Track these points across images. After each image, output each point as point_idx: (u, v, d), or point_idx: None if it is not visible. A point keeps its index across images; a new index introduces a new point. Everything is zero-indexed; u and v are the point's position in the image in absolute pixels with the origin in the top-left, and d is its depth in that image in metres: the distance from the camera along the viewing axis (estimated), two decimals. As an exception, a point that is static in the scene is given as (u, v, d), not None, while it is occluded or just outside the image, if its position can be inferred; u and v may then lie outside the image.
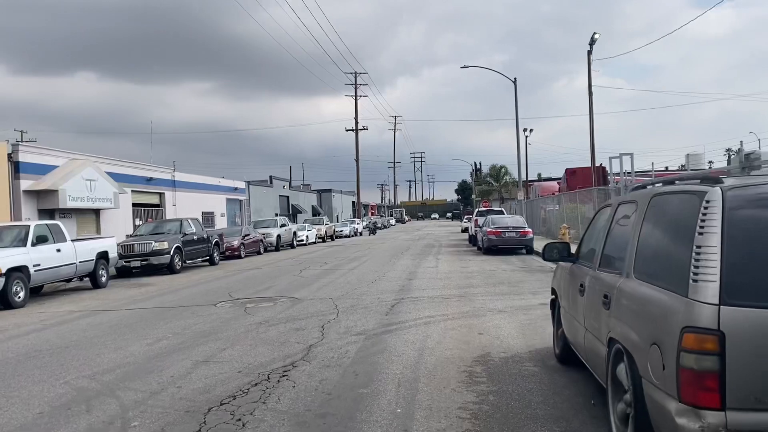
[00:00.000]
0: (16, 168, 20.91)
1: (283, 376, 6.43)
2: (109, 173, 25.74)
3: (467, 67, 36.18)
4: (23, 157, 21.20)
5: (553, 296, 7.14)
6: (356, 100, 67.92)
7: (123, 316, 11.17)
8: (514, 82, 34.75)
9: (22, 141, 30.39)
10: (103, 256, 17.23)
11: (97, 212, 25.48)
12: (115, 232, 24.42)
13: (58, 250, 14.96)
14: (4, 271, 12.80)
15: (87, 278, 16.92)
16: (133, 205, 28.88)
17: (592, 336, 4.87)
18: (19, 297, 13.28)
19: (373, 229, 58.45)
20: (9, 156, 20.59)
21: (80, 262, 15.90)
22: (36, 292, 16.27)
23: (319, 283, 15.19)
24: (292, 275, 17.55)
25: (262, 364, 7.00)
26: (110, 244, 17.76)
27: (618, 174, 20.73)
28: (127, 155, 30.62)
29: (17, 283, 13.24)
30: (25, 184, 21.24)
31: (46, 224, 15.33)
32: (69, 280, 16.71)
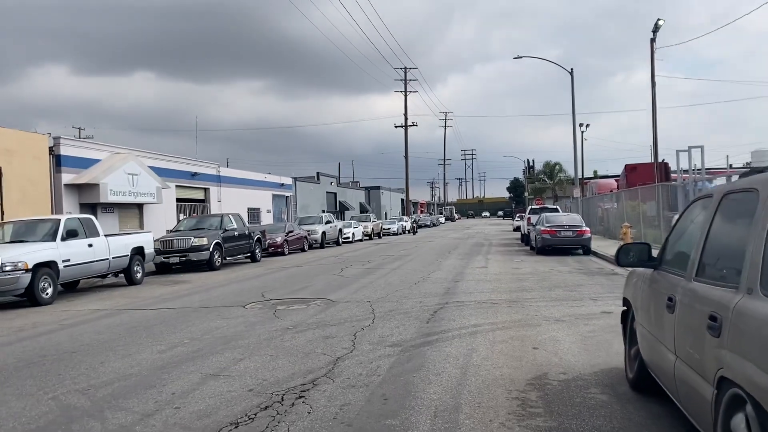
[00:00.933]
0: (58, 161, 20.74)
1: (300, 397, 5.45)
2: (152, 168, 25.47)
3: (520, 57, 34.64)
4: (65, 150, 21.02)
5: (625, 307, 5.93)
6: (405, 95, 66.91)
7: (145, 317, 10.44)
8: (571, 72, 33.04)
9: (79, 137, 30.67)
10: (138, 251, 16.72)
11: (140, 207, 25.26)
12: (159, 228, 24.16)
13: (90, 245, 14.45)
14: (30, 266, 12.31)
15: (122, 274, 16.44)
16: (178, 200, 28.64)
17: (688, 368, 3.69)
18: (47, 294, 12.78)
19: (413, 229, 53.29)
20: (50, 149, 20.42)
21: (114, 257, 15.39)
22: (71, 288, 15.89)
23: (359, 283, 14.21)
24: (332, 274, 16.65)
25: (279, 380, 6.03)
26: (146, 240, 17.25)
27: (686, 171, 19.06)
28: (183, 153, 30.81)
29: (45, 279, 12.74)
30: (67, 177, 21.06)
31: (78, 218, 14.86)
32: (104, 276, 16.24)
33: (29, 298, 12.51)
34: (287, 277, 16.68)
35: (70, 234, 13.80)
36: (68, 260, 13.55)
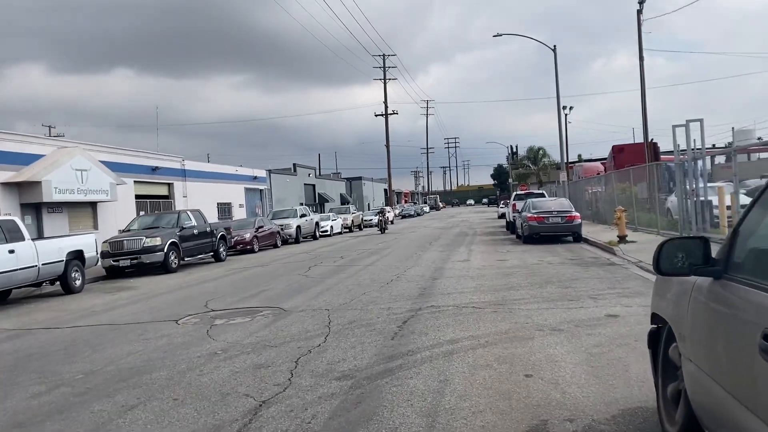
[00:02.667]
0: (-8, 157, 18.65)
1: (183, 482, 3.63)
2: (105, 162, 23.39)
3: (500, 35, 32.83)
4: (1, 145, 18.90)
5: (656, 326, 4.16)
6: (385, 82, 64.93)
7: (51, 340, 8.55)
8: (554, 50, 31.25)
9: (49, 135, 28.43)
10: (77, 256, 14.77)
11: (93, 205, 23.19)
12: (115, 227, 22.15)
13: (11, 251, 12.48)
14: (-74, 279, 10.36)
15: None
16: (137, 197, 26.56)
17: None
18: (-48, 311, 10.83)
19: (380, 224, 35.36)
20: (-18, 144, 18.33)
21: (44, 264, 13.42)
22: (2, 299, 13.93)
23: (323, 285, 12.38)
24: (297, 274, 14.81)
25: (166, 448, 4.21)
26: (86, 242, 15.27)
27: (683, 151, 17.35)
28: (166, 150, 28.73)
29: (-54, 294, 10.79)
30: (4, 175, 18.94)
31: (-5, 220, 12.86)
32: (37, 285, 14.27)
33: (-73, 317, 10.56)
34: (246, 279, 14.81)
35: (-18, 239, 11.84)
36: (-20, 270, 11.59)
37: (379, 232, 34.25)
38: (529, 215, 20.34)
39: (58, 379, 6.27)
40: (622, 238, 17.26)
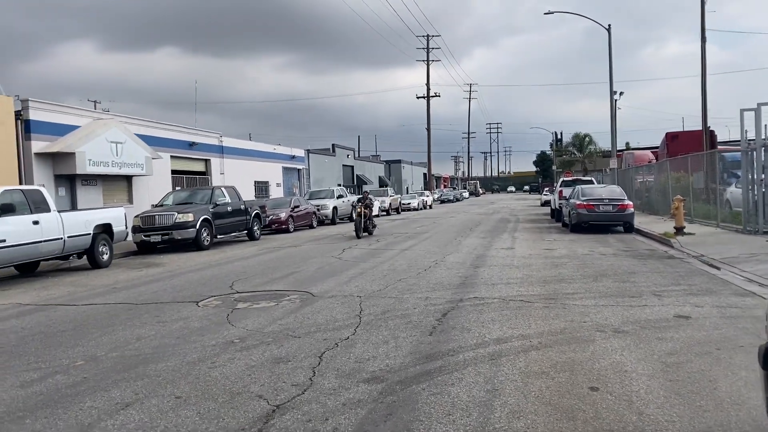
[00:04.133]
0: (27, 127, 18.29)
1: None
2: (142, 136, 22.98)
3: (551, 12, 31.24)
4: (35, 115, 18.56)
5: (774, 343, 3.21)
6: (428, 64, 63.66)
7: (61, 318, 7.95)
8: (608, 29, 29.60)
9: (94, 110, 28.26)
10: (105, 229, 14.30)
11: (128, 179, 22.85)
12: (150, 202, 21.76)
13: (36, 223, 12.03)
14: (-56, 248, 9.93)
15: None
16: (173, 172, 26.16)
17: None
18: (-29, 282, 10.41)
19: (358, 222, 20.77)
20: (18, 114, 17.99)
21: (69, 237, 12.96)
22: (29, 271, 13.59)
23: (357, 269, 11.60)
24: (330, 256, 14.06)
25: (153, 463, 3.46)
26: (114, 216, 14.78)
27: (751, 140, 15.91)
28: (208, 128, 28.30)
29: (-33, 264, 10.37)
30: (38, 145, 18.63)
31: (21, 190, 12.40)
32: (66, 258, 13.86)
33: (-55, 288, 10.16)
34: (277, 259, 14.13)
35: (6, 209, 11.38)
36: (2, 240, 11.14)
37: (356, 237, 19.30)
38: (578, 202, 19.15)
39: (55, 365, 5.61)
40: (679, 230, 16.01)
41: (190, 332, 6.75)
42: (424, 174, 78.80)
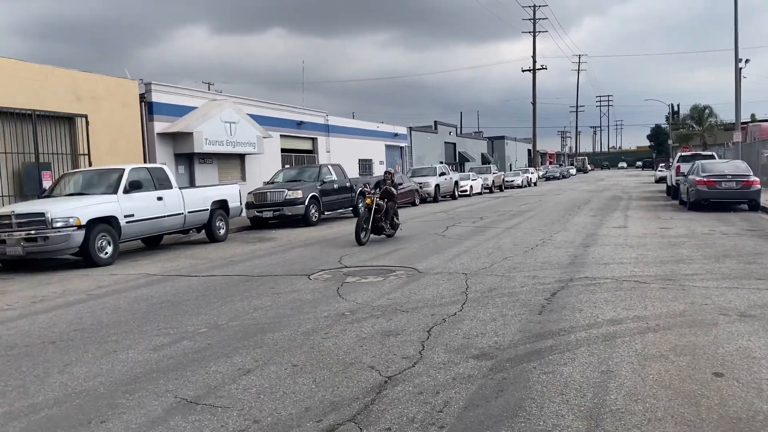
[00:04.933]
0: (150, 109, 19.58)
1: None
2: (253, 116, 23.94)
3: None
4: (157, 97, 19.82)
5: None
6: (534, 35, 61.69)
7: (186, 288, 8.52)
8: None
9: (209, 91, 29.93)
10: (221, 205, 15.11)
11: (241, 157, 23.95)
12: (261, 179, 22.74)
13: (160, 199, 12.90)
14: (84, 222, 10.88)
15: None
16: (282, 150, 27.11)
17: None
18: (106, 253, 11.35)
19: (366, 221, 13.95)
20: (141, 96, 19.28)
21: (190, 212, 13.82)
22: (154, 244, 14.64)
23: (461, 246, 11.56)
24: (434, 233, 14.10)
25: (275, 426, 3.66)
26: (230, 193, 15.57)
27: None
28: (312, 107, 29.08)
29: (103, 236, 11.30)
30: (159, 126, 19.91)
31: (147, 168, 13.31)
32: (186, 232, 14.82)
33: (85, 257, 11.15)
34: (381, 236, 14.35)
35: (135, 186, 12.26)
36: (131, 215, 12.05)
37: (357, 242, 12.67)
38: (698, 179, 17.99)
39: (182, 332, 6.04)
40: (815, 209, 14.68)
41: (303, 304, 7.03)
42: (529, 150, 76.84)
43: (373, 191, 13.01)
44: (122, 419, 3.88)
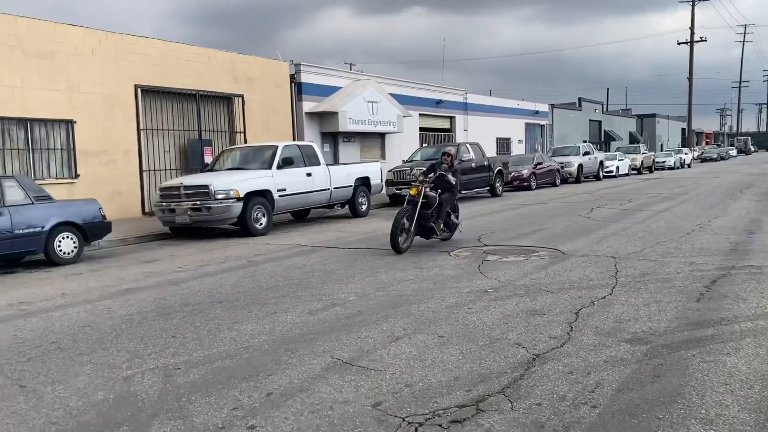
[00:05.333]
0: (299, 89, 20.61)
1: (441, 438, 3.18)
2: (393, 95, 24.39)
3: None
4: (306, 78, 20.79)
5: None
6: (693, 4, 56.78)
7: (334, 259, 8.97)
8: None
9: (353, 71, 31.13)
10: (364, 182, 15.64)
11: (382, 136, 24.52)
12: (400, 158, 23.19)
13: (309, 175, 13.60)
14: (242, 195, 11.76)
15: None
16: (421, 129, 27.40)
17: None
18: (261, 224, 12.21)
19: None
20: (292, 77, 20.32)
21: (335, 188, 14.46)
22: (302, 217, 15.51)
23: (608, 229, 11.10)
24: (577, 215, 13.64)
25: (426, 391, 3.81)
26: (372, 170, 16.07)
27: None
28: (450, 85, 29.13)
29: (258, 208, 12.16)
30: (307, 106, 20.90)
31: (298, 146, 14.08)
32: (331, 207, 15.53)
33: (242, 227, 12.07)
34: (521, 216, 14.13)
35: (287, 162, 13.02)
36: (284, 189, 12.83)
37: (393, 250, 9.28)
38: None
39: (333, 298, 6.40)
40: None
41: (445, 279, 7.15)
42: (683, 129, 71.35)
43: (422, 178, 9.71)
44: (286, 374, 4.22)
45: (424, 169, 10.48)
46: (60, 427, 3.52)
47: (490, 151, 30.16)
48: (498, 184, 21.15)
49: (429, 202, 9.39)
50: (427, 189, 9.47)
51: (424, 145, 25.79)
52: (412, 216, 9.23)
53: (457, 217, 10.36)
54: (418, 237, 9.59)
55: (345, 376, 4.12)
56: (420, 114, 27.08)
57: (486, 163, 20.74)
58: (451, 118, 29.90)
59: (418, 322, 5.39)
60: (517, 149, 35.07)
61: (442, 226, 9.71)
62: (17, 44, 13.76)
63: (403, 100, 24.97)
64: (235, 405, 3.72)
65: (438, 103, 28.42)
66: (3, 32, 13.51)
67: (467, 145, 20.60)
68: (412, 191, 9.37)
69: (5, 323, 6.04)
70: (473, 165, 19.87)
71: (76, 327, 5.75)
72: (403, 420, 3.41)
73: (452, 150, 10.89)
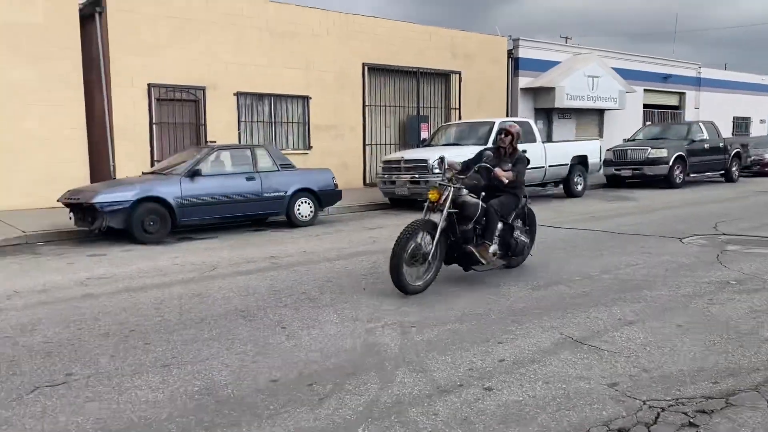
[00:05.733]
0: (516, 65, 20.32)
1: (691, 426, 3.07)
2: (616, 69, 22.95)
3: None
4: (523, 53, 20.42)
5: None
6: None
7: (554, 238, 8.85)
8: None
9: (573, 45, 30.23)
10: (580, 161, 15.08)
11: (600, 113, 23.30)
12: (620, 137, 21.92)
13: (524, 151, 13.41)
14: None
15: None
16: (645, 106, 25.47)
17: None
18: (475, 199, 12.40)
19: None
20: (509, 52, 20.09)
21: (550, 166, 14.14)
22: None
23: None
24: (838, 207, 11.82)
25: (668, 377, 3.67)
26: (591, 149, 15.41)
27: None
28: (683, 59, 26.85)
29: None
30: (523, 81, 20.54)
31: (514, 122, 13.93)
32: (543, 186, 15.24)
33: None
34: (764, 205, 12.61)
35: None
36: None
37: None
38: None
39: (556, 277, 6.36)
40: None
41: (679, 267, 6.71)
42: None
43: (453, 177, 5.97)
44: (515, 344, 4.33)
45: (475, 155, 6.82)
46: (319, 366, 4.02)
47: (725, 131, 27.12)
48: (734, 168, 19.01)
49: (466, 213, 5.91)
50: (464, 192, 5.96)
51: (648, 123, 24.00)
52: (431, 237, 5.70)
53: (528, 233, 6.86)
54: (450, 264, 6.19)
55: (576, 354, 4.11)
56: (645, 90, 25.19)
57: (721, 144, 18.72)
58: (681, 95, 27.35)
59: (651, 308, 5.16)
60: (758, 130, 31.05)
61: (494, 248, 6.12)
62: (266, 27, 15.40)
63: (626, 74, 23.41)
64: (470, 366, 3.93)
65: (665, 78, 26.16)
66: (254, 15, 15.21)
67: (700, 123, 18.75)
68: (431, 195, 5.84)
69: (263, 273, 6.96)
70: (706, 146, 18.07)
71: (321, 281, 6.43)
72: (644, 403, 3.34)
73: (514, 127, 6.64)
